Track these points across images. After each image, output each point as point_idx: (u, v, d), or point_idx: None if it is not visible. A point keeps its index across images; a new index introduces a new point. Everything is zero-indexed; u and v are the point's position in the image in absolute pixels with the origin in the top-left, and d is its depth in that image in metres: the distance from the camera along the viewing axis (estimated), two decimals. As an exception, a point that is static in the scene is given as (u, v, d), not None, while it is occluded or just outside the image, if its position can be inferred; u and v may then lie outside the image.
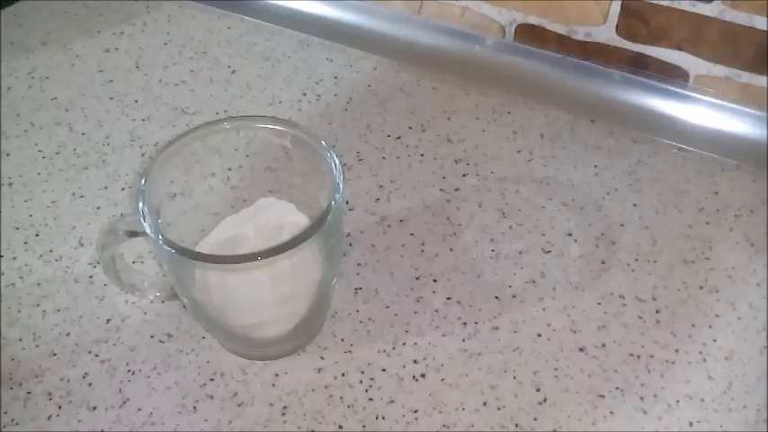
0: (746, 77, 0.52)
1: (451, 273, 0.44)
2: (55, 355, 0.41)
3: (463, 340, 0.41)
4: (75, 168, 0.50)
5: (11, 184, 0.49)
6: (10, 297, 0.43)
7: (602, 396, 0.39)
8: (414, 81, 0.56)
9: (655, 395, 0.39)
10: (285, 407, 0.39)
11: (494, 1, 0.56)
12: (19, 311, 0.43)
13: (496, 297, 0.43)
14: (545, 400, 0.39)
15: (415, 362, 0.40)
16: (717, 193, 0.49)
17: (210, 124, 0.39)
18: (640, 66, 0.55)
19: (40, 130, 0.53)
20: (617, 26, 0.53)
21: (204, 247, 0.40)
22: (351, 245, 0.46)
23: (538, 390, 0.39)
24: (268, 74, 0.57)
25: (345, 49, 0.59)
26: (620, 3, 0.52)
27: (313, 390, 0.39)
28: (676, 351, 0.41)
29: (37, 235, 0.46)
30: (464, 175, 0.50)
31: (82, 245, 0.46)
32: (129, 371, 0.40)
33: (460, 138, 0.52)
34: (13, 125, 0.53)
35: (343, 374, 0.40)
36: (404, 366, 0.40)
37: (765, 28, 0.49)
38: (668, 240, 0.46)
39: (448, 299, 0.43)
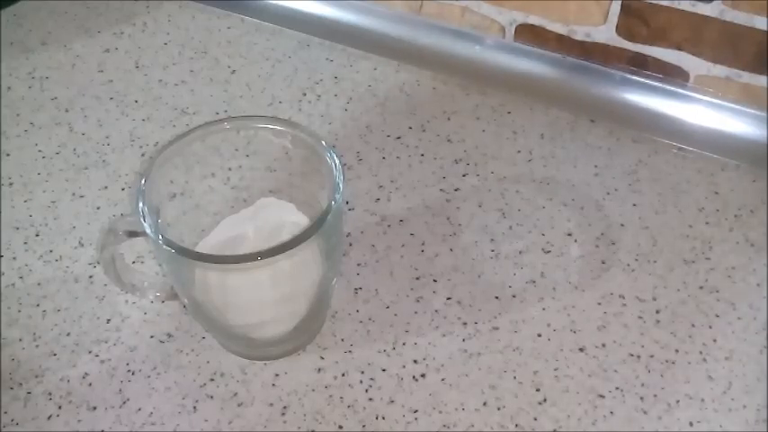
0: (746, 77, 0.52)
1: (451, 273, 0.44)
2: (55, 355, 0.41)
3: (463, 340, 0.41)
4: (75, 168, 0.50)
5: (11, 184, 0.49)
6: (10, 297, 0.43)
7: (602, 396, 0.39)
8: (414, 81, 0.56)
9: (655, 395, 0.39)
10: (285, 407, 0.39)
11: (494, 1, 0.56)
12: (19, 311, 0.43)
13: (496, 297, 0.43)
14: (545, 400, 0.39)
15: (415, 362, 0.40)
16: (717, 193, 0.49)
17: (210, 124, 0.39)
18: (640, 66, 0.55)
19: (40, 130, 0.53)
20: (617, 26, 0.53)
21: (204, 247, 0.40)
22: (351, 245, 0.46)
23: (538, 390, 0.39)
24: (268, 74, 0.57)
25: (345, 49, 0.59)
26: (620, 3, 0.52)
27: (313, 390, 0.39)
28: (676, 351, 0.41)
29: (37, 235, 0.46)
30: (464, 175, 0.50)
31: (82, 245, 0.46)
32: (129, 371, 0.40)
33: (460, 138, 0.52)
34: (13, 125, 0.53)
35: (343, 374, 0.40)
36: (404, 366, 0.40)
37: (765, 28, 0.49)
38: (668, 240, 0.46)
39: (448, 299, 0.43)
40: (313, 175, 0.39)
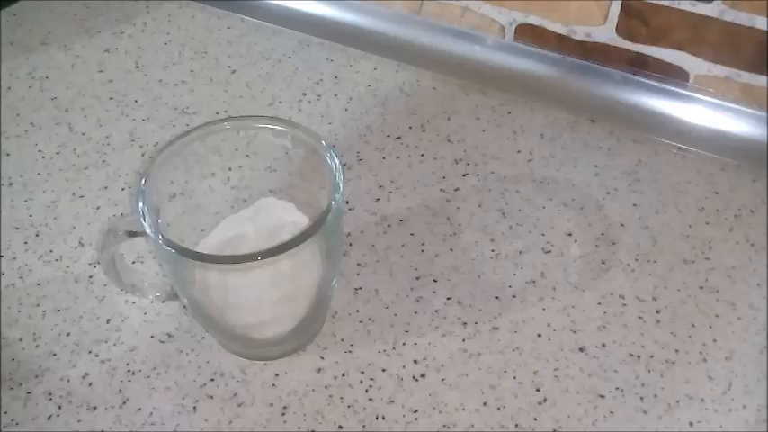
0: (746, 77, 0.52)
1: (451, 273, 0.44)
2: (55, 355, 0.41)
3: (463, 340, 0.41)
4: (75, 168, 0.50)
5: (11, 184, 0.49)
6: (10, 297, 0.43)
7: (603, 396, 0.39)
8: (414, 81, 0.56)
9: (655, 395, 0.39)
10: (285, 407, 0.39)
11: (494, 1, 0.56)
12: (19, 311, 0.43)
13: (496, 297, 0.43)
14: (545, 400, 0.39)
15: (415, 362, 0.40)
16: (717, 193, 0.49)
17: (210, 124, 0.39)
18: (640, 66, 0.55)
19: (40, 130, 0.53)
20: (617, 26, 0.53)
21: (204, 247, 0.40)
22: (351, 245, 0.46)
23: (538, 390, 0.39)
24: (268, 74, 0.57)
25: (345, 49, 0.59)
26: (620, 3, 0.52)
27: (313, 390, 0.39)
28: (676, 351, 0.41)
29: (37, 235, 0.46)
30: (464, 175, 0.50)
31: (82, 245, 0.46)
32: (129, 371, 0.40)
33: (460, 138, 0.52)
34: (13, 125, 0.53)
35: (343, 374, 0.40)
36: (404, 366, 0.40)
37: (765, 28, 0.49)
38: (668, 240, 0.46)
39: (448, 299, 0.43)
40: (313, 175, 0.39)
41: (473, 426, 0.38)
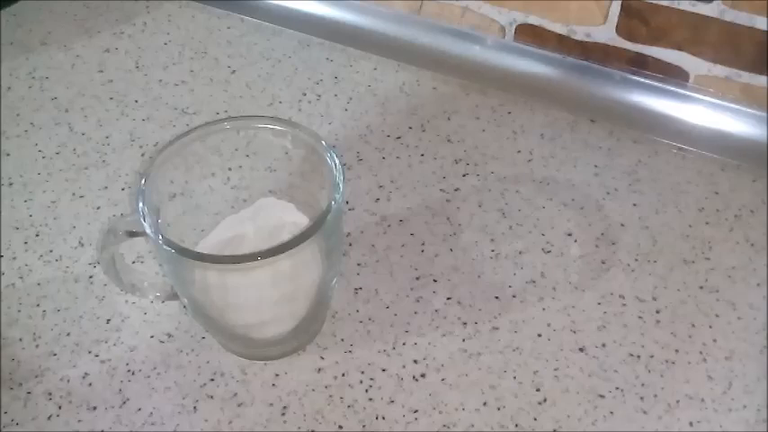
0: (746, 77, 0.52)
1: (451, 273, 0.44)
2: (55, 355, 0.41)
3: (463, 340, 0.41)
4: (75, 168, 0.50)
5: (11, 184, 0.49)
6: (10, 297, 0.43)
7: (603, 396, 0.39)
8: (414, 81, 0.56)
9: (655, 395, 0.39)
10: (285, 407, 0.39)
11: (494, 1, 0.56)
12: (19, 311, 0.43)
13: (496, 297, 0.43)
14: (545, 400, 0.39)
15: (415, 362, 0.40)
16: (717, 193, 0.49)
17: (210, 124, 0.39)
18: (640, 66, 0.55)
19: (40, 130, 0.53)
20: (617, 26, 0.53)
21: (204, 247, 0.40)
22: (351, 245, 0.46)
23: (538, 390, 0.39)
24: (268, 74, 0.57)
25: (345, 49, 0.59)
26: (620, 3, 0.52)
27: (313, 390, 0.39)
28: (676, 351, 0.41)
29: (37, 235, 0.46)
30: (464, 175, 0.50)
31: (82, 245, 0.46)
32: (129, 371, 0.40)
33: (460, 138, 0.52)
34: (13, 125, 0.53)
35: (343, 374, 0.40)
36: (404, 366, 0.40)
37: (765, 28, 0.49)
38: (668, 240, 0.46)
39: (448, 299, 0.43)
40: (313, 175, 0.39)
41: (473, 426, 0.38)
